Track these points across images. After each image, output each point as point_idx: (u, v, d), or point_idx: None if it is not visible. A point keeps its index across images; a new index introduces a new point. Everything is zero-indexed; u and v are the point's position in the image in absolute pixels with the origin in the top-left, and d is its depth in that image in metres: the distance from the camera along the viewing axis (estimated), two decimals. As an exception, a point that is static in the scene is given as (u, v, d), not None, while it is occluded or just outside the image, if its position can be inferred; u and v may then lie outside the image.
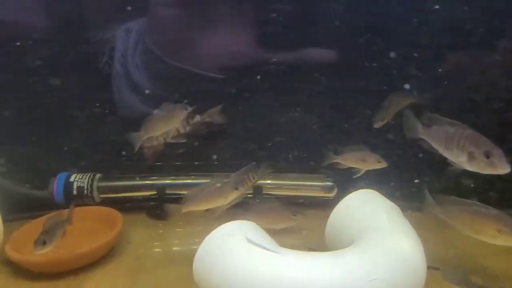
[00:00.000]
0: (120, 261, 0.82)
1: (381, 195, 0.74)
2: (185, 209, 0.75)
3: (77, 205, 0.92)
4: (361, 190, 0.74)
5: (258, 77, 0.96)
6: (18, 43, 0.94)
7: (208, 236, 0.63)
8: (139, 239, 0.89)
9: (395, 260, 0.58)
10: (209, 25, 0.94)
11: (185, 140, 0.87)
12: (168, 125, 0.81)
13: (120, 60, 0.97)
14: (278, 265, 0.56)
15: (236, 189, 0.74)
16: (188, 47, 0.96)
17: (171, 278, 0.76)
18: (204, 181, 0.94)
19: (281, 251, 0.60)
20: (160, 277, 0.77)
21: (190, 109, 0.80)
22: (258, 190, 0.95)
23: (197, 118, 0.88)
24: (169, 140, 0.87)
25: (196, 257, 0.63)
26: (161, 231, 0.94)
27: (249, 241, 0.60)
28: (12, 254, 0.76)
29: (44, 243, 0.67)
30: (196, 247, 0.87)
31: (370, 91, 0.94)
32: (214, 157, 1.01)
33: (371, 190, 0.74)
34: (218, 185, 0.74)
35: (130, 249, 0.86)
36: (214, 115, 0.90)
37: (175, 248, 0.89)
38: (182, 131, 0.86)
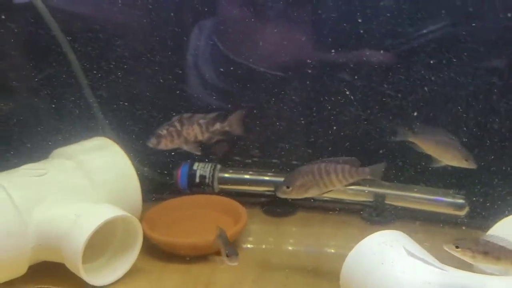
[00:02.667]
0: (246, 254, 0.81)
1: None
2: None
3: (196, 193, 0.95)
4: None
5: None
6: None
7: (363, 243, 0.60)
8: (259, 234, 0.88)
9: None
10: (273, 25, 0.93)
11: (199, 152, 0.82)
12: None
13: (193, 55, 0.97)
14: (449, 284, 0.52)
15: None
16: (252, 45, 0.94)
17: (298, 278, 0.74)
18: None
19: (445, 267, 0.56)
20: (288, 274, 0.75)
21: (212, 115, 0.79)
22: (380, 198, 0.91)
23: (217, 126, 0.83)
24: (184, 147, 0.81)
25: (347, 262, 0.60)
26: (278, 228, 0.92)
27: (410, 253, 0.57)
28: (149, 232, 0.77)
29: None
30: (314, 249, 0.89)
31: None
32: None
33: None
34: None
35: (252, 243, 0.85)
36: (233, 125, 0.84)
37: (295, 248, 0.87)
38: (199, 138, 0.81)
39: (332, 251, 0.85)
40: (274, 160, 1.00)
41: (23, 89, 0.86)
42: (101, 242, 0.70)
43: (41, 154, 0.77)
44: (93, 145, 0.78)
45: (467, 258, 0.56)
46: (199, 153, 0.82)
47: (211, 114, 0.81)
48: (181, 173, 0.97)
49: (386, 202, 0.92)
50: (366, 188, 0.92)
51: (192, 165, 0.98)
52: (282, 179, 0.96)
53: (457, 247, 0.55)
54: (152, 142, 0.75)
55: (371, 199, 0.92)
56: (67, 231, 0.62)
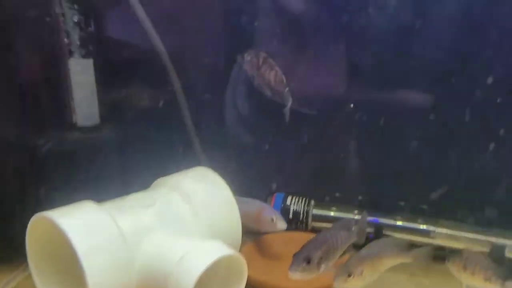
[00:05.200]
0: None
1: None
2: None
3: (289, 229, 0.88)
4: None
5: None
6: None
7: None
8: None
9: None
10: (306, 62, 0.93)
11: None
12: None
13: (232, 86, 0.97)
14: None
15: None
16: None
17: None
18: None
19: None
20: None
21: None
22: (499, 250, 0.81)
23: (282, 87, 0.84)
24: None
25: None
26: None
27: None
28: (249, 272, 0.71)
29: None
30: None
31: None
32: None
33: None
34: None
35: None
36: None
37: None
38: (271, 84, 0.84)
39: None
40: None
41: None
42: (205, 279, 0.65)
43: (142, 183, 0.74)
44: (195, 175, 0.74)
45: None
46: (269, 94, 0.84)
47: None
48: (274, 207, 0.91)
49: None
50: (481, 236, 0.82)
51: (285, 199, 0.92)
52: (376, 218, 0.90)
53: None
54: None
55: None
56: (175, 269, 0.58)
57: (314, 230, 0.90)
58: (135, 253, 0.60)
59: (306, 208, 0.91)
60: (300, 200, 0.92)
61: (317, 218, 0.92)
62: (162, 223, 0.64)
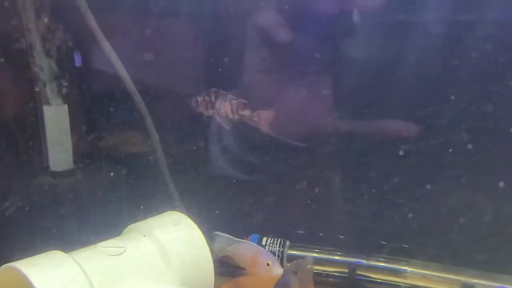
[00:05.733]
0: None
1: None
2: None
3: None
4: None
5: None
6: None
7: None
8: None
9: None
10: (293, 94, 0.92)
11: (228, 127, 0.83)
12: None
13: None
14: None
15: None
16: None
17: None
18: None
19: None
20: None
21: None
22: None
23: (247, 112, 0.82)
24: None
25: None
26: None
27: None
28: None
29: None
30: None
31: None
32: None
33: None
34: None
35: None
36: (262, 120, 0.83)
37: None
38: (230, 116, 0.83)
39: None
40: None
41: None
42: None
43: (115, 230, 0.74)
44: (168, 221, 0.74)
45: None
46: (228, 127, 0.83)
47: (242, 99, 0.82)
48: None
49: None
50: (452, 276, 0.83)
51: (260, 240, 0.92)
52: (353, 259, 0.91)
53: None
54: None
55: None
56: (145, 320, 0.57)
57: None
58: (106, 305, 0.59)
59: (281, 249, 0.91)
60: (275, 241, 0.92)
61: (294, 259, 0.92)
62: (133, 271, 0.63)
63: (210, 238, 0.83)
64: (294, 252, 0.92)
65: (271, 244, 0.93)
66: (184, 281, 0.67)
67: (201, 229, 0.75)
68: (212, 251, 0.77)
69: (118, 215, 0.76)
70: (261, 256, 0.79)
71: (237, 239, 0.78)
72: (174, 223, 0.74)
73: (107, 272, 0.61)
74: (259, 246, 0.83)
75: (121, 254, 0.64)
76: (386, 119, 0.90)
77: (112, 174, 0.84)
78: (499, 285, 0.82)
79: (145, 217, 0.74)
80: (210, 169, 0.97)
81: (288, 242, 0.93)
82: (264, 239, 0.93)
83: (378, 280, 0.87)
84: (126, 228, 0.72)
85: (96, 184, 0.82)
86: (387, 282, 0.86)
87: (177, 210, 0.78)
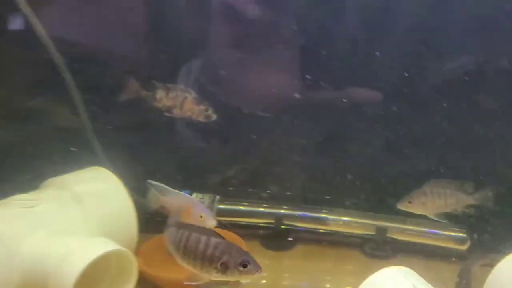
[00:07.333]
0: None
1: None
2: None
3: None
4: None
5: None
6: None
7: (369, 280, 0.55)
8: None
9: None
10: (259, 66, 0.94)
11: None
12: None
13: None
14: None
15: None
16: (238, 86, 0.95)
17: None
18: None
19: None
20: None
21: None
22: (382, 232, 0.87)
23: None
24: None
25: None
26: (276, 262, 0.87)
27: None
28: (145, 267, 0.72)
29: None
30: (312, 284, 0.84)
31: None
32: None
33: None
34: None
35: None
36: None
37: (292, 283, 0.82)
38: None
39: (328, 286, 0.81)
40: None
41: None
42: (94, 278, 0.64)
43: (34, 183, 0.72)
44: (88, 176, 0.74)
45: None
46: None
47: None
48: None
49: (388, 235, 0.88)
50: (368, 221, 0.88)
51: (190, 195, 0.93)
52: (280, 210, 0.94)
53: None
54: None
55: (372, 232, 0.88)
56: (56, 268, 0.57)
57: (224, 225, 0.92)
58: (15, 255, 0.58)
59: (211, 203, 0.92)
60: (204, 197, 0.93)
61: (224, 213, 0.94)
62: (47, 224, 0.63)
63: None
64: (222, 206, 0.94)
65: (200, 199, 0.94)
66: (104, 233, 0.67)
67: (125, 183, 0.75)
68: (145, 202, 0.78)
69: (39, 171, 0.74)
70: (195, 208, 0.80)
71: (172, 189, 0.78)
72: (95, 178, 0.74)
73: (17, 224, 0.60)
74: (194, 198, 0.83)
75: (34, 206, 0.63)
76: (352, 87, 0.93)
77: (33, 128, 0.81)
78: (409, 227, 0.89)
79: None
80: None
81: (217, 197, 0.95)
82: (194, 195, 0.95)
83: (303, 228, 0.91)
84: (44, 182, 0.72)
85: (16, 138, 0.79)
86: (310, 229, 0.90)
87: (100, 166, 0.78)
